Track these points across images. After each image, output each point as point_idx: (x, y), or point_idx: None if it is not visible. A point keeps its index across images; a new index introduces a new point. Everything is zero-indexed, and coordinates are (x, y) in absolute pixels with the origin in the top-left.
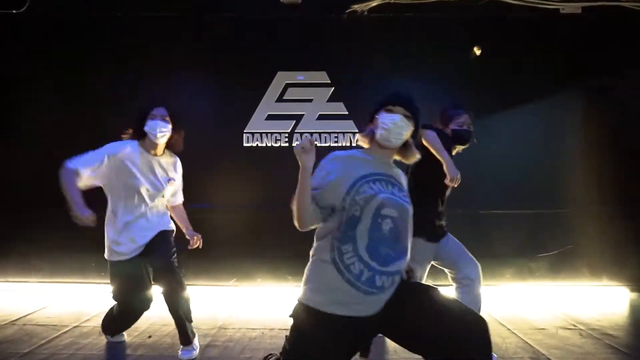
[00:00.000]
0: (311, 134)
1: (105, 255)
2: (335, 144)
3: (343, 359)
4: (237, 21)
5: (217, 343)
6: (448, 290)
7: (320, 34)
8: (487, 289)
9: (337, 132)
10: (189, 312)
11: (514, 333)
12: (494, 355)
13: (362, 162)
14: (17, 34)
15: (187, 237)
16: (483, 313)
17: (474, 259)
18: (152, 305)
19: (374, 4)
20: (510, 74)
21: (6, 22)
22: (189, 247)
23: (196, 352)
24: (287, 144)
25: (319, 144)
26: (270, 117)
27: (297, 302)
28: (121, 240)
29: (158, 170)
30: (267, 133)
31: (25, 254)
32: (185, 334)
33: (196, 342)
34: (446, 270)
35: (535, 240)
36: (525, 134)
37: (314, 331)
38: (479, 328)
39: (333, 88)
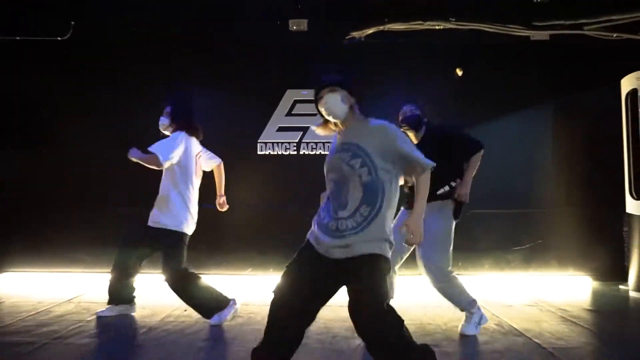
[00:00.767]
0: (315, 143)
1: (184, 229)
2: None
3: (310, 288)
4: (252, 46)
5: (241, 314)
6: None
7: (324, 56)
8: (468, 277)
9: None
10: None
11: (486, 309)
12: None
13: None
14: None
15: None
16: None
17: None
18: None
19: (370, 31)
20: (490, 90)
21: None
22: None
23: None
24: (295, 152)
25: (322, 152)
26: (281, 129)
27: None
28: (195, 214)
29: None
30: (278, 143)
31: (70, 249)
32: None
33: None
34: None
35: (511, 235)
36: (504, 144)
37: (301, 253)
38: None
39: None
